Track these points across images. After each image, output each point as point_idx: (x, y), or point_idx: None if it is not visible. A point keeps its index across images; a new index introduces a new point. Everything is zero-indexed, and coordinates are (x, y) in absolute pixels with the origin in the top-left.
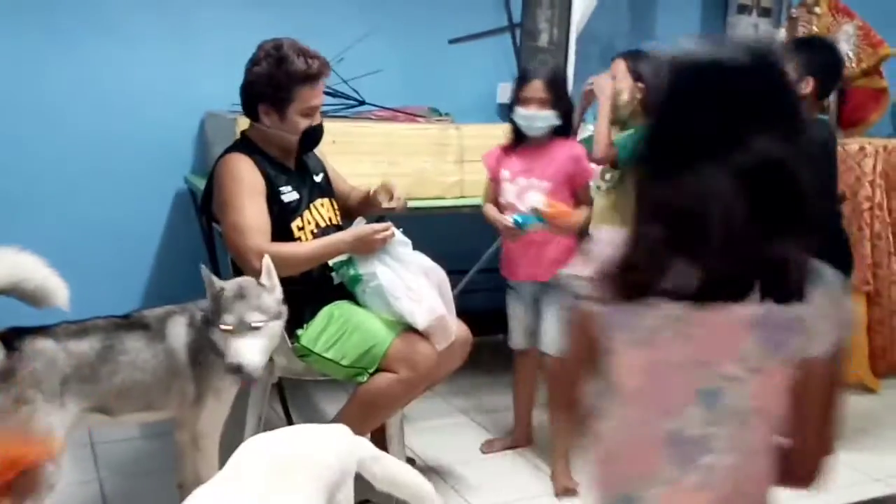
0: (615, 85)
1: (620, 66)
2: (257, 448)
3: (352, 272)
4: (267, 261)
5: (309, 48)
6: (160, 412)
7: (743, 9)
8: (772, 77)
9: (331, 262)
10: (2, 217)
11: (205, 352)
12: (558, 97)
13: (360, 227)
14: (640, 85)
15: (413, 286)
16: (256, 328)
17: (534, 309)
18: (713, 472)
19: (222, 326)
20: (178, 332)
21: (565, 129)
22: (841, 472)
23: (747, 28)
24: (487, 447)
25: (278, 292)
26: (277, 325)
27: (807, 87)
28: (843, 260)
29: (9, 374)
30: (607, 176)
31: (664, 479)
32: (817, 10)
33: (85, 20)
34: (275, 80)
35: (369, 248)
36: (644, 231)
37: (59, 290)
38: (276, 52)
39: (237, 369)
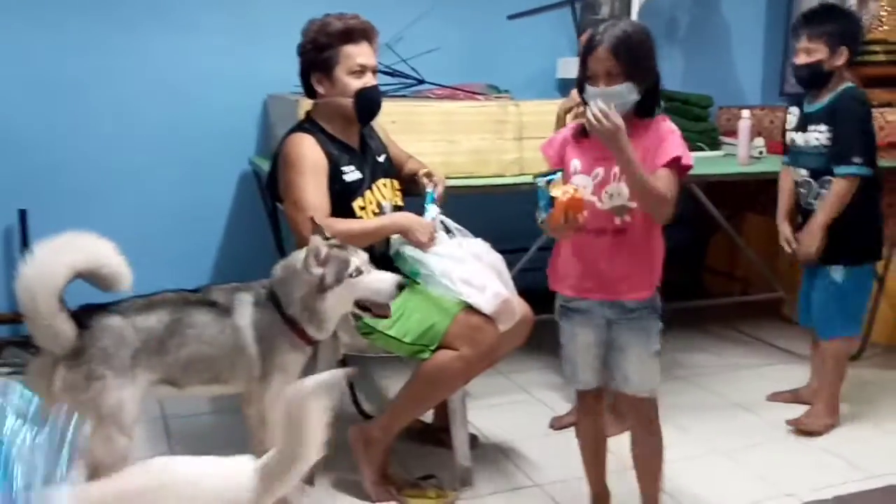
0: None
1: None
2: (145, 470)
3: (409, 268)
4: (325, 221)
5: (355, 16)
6: (226, 386)
7: None
8: None
9: (391, 251)
10: (74, 202)
11: (271, 329)
12: (634, 65)
13: (411, 218)
14: None
15: (471, 277)
16: (367, 262)
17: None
18: None
19: (356, 271)
20: (245, 310)
21: (649, 105)
22: None
23: None
24: (557, 422)
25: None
26: None
27: (842, 57)
28: (870, 243)
29: (80, 351)
30: None
31: None
32: None
33: (149, 9)
34: (318, 44)
35: (418, 240)
36: None
37: (126, 276)
38: (318, 21)
39: (401, 286)
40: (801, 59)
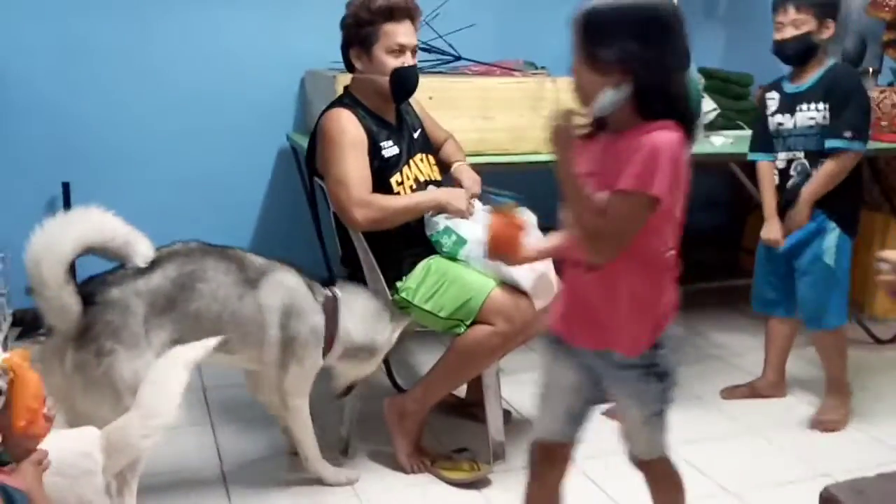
0: None
1: None
2: None
3: (454, 238)
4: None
5: None
6: (231, 357)
7: None
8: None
9: (431, 234)
10: (114, 174)
11: (299, 323)
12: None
13: (454, 190)
14: None
15: None
16: None
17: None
18: None
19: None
20: (276, 292)
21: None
22: None
23: None
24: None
25: None
26: None
27: (829, 30)
28: (857, 215)
29: (88, 328)
30: None
31: None
32: None
33: None
34: (359, 19)
35: (458, 209)
36: None
37: (140, 248)
38: None
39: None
40: (789, 33)
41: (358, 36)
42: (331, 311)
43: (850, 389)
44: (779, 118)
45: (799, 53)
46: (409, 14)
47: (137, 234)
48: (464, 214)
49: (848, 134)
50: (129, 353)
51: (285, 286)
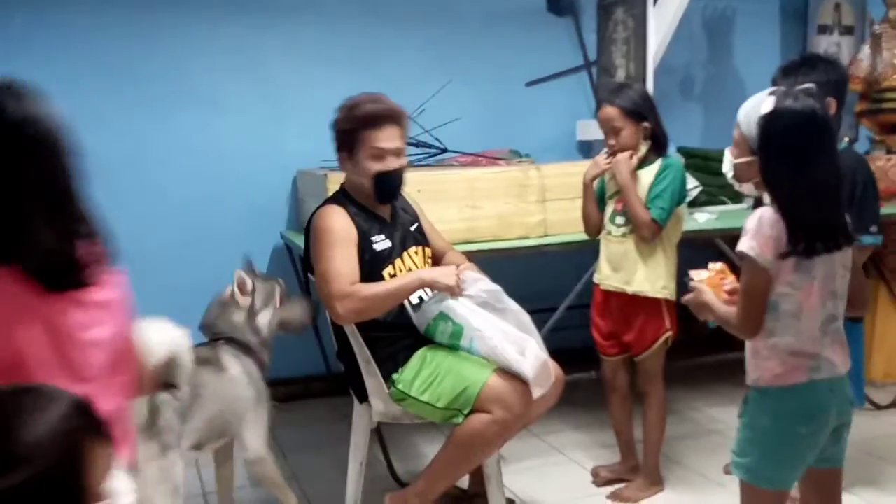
0: (625, 142)
1: (613, 112)
2: None
3: (452, 327)
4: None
5: (384, 98)
6: (236, 429)
7: (824, 29)
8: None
9: (424, 325)
10: None
11: (253, 374)
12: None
13: (431, 270)
14: (644, 124)
15: (514, 337)
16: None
17: None
18: None
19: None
20: (231, 361)
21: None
22: None
23: (829, 48)
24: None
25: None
26: None
27: (831, 108)
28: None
29: (151, 423)
30: (619, 220)
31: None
32: None
33: (178, 90)
34: (344, 125)
35: (443, 281)
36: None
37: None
38: (350, 102)
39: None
40: None
41: (343, 141)
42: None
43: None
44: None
45: None
46: (392, 119)
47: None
48: (452, 290)
49: (874, 229)
50: (177, 454)
51: (231, 354)
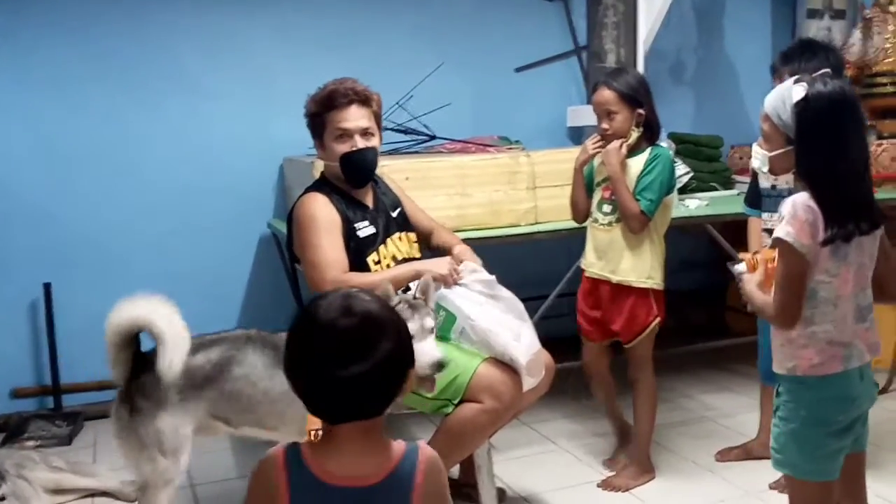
0: (617, 126)
1: (609, 95)
2: None
3: (444, 316)
4: (390, 272)
5: (351, 80)
6: (274, 433)
7: (814, 13)
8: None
9: None
10: (97, 272)
11: None
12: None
13: (424, 262)
14: (638, 110)
15: (509, 324)
16: (430, 330)
17: None
18: None
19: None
20: None
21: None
22: None
23: (819, 32)
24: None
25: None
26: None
27: None
28: None
29: (130, 388)
30: (606, 208)
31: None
32: (892, 8)
33: (165, 77)
34: (310, 112)
35: (438, 270)
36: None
37: (169, 356)
38: (320, 89)
39: (441, 365)
40: None
41: (314, 128)
42: None
43: None
44: (772, 178)
45: None
46: (353, 99)
47: (177, 343)
48: (446, 280)
49: None
50: (156, 413)
51: None
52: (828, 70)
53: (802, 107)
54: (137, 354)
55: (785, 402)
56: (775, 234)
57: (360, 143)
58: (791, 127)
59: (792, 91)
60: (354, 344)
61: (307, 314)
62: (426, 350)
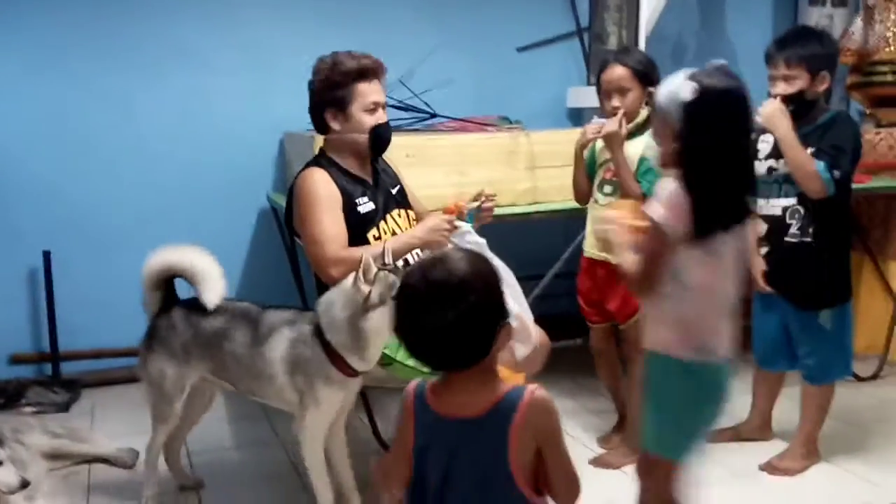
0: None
1: (623, 72)
2: None
3: None
4: (388, 243)
5: (361, 53)
6: (267, 400)
7: (816, 0)
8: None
9: None
10: (96, 243)
11: (307, 363)
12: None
13: (430, 219)
14: (650, 90)
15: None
16: None
17: None
18: None
19: None
20: (279, 342)
21: None
22: None
23: (821, 19)
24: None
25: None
26: None
27: (824, 82)
28: (848, 281)
29: (151, 332)
30: (606, 188)
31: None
32: None
33: (168, 54)
34: (332, 82)
35: (436, 240)
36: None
37: (209, 294)
38: (329, 59)
39: None
40: (781, 89)
41: (332, 98)
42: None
43: (818, 449)
44: (771, 162)
45: (793, 112)
46: (377, 73)
47: (216, 281)
48: (443, 245)
49: (837, 173)
50: (160, 356)
51: (287, 338)
52: (724, 62)
53: (687, 104)
54: (168, 299)
55: (653, 379)
56: (647, 211)
57: (383, 116)
58: (678, 124)
59: (680, 87)
60: (440, 297)
61: (404, 280)
62: None
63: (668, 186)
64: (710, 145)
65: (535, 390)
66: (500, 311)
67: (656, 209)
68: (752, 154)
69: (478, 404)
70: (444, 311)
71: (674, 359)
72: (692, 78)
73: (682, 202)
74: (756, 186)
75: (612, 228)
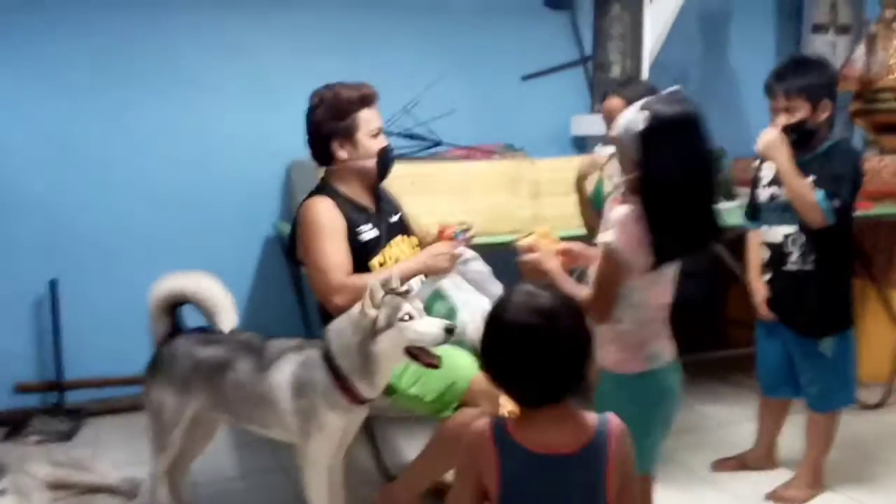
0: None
1: (618, 104)
2: None
3: (446, 306)
4: (391, 270)
5: (356, 83)
6: (270, 430)
7: (819, 28)
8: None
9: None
10: (101, 271)
11: (312, 388)
12: None
13: (422, 255)
14: None
15: None
16: (421, 311)
17: None
18: None
19: (407, 315)
20: (286, 366)
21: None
22: None
23: (824, 47)
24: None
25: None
26: None
27: (825, 111)
28: (849, 309)
29: (155, 361)
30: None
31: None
32: None
33: (172, 78)
34: (338, 112)
35: (441, 266)
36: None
37: (224, 316)
38: (328, 91)
39: (451, 329)
40: (783, 120)
41: (339, 128)
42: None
43: (823, 478)
44: (773, 190)
45: (795, 141)
46: (376, 98)
47: (226, 307)
48: (446, 272)
49: (836, 203)
50: (161, 385)
51: (294, 362)
52: (678, 87)
53: (642, 133)
54: (174, 327)
55: (607, 398)
56: (603, 238)
57: (384, 139)
58: (637, 153)
59: (635, 118)
60: (541, 337)
61: (499, 315)
62: (428, 321)
63: (620, 212)
64: (668, 171)
65: (613, 419)
66: (589, 347)
67: (611, 235)
68: (713, 176)
69: (572, 439)
70: (558, 344)
71: (626, 375)
72: (645, 107)
73: (637, 231)
74: (717, 216)
75: (535, 257)
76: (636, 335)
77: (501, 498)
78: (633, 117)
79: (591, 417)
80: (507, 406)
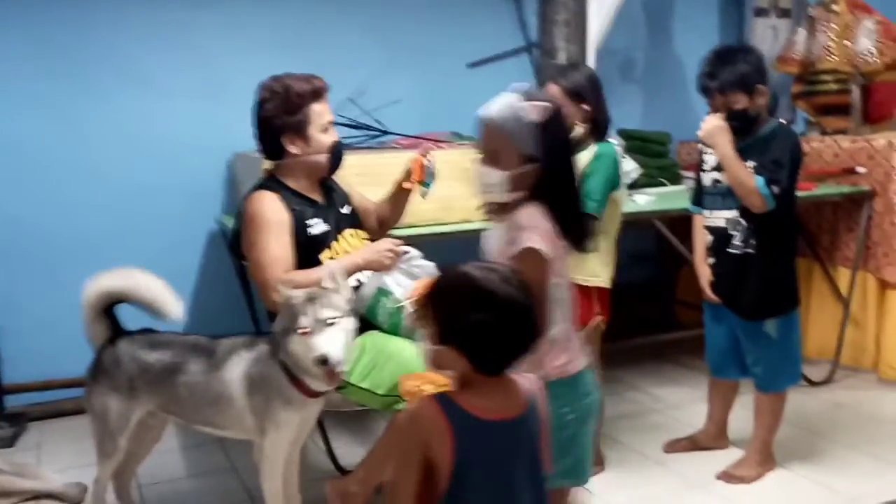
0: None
1: (554, 91)
2: None
3: (391, 304)
4: (330, 265)
5: (304, 75)
6: (224, 431)
7: (761, 12)
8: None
9: (365, 305)
10: (43, 263)
11: (264, 384)
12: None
13: (364, 251)
14: (583, 106)
15: None
16: (331, 324)
17: None
18: None
19: (300, 331)
20: (238, 364)
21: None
22: None
23: (766, 31)
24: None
25: (346, 292)
26: (350, 322)
27: (763, 95)
28: (795, 290)
29: (96, 365)
30: None
31: None
32: (836, 8)
33: (116, 73)
34: (288, 106)
35: (383, 262)
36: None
37: (170, 307)
38: (277, 84)
39: (323, 361)
40: (724, 112)
41: (289, 123)
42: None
43: (773, 456)
44: (716, 175)
45: (739, 129)
46: (327, 91)
47: (169, 296)
48: (392, 265)
49: (776, 189)
50: (104, 390)
51: (245, 359)
52: (527, 84)
53: (544, 124)
54: (113, 330)
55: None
56: (524, 244)
57: (335, 133)
58: (530, 145)
59: (523, 108)
60: (519, 307)
61: (475, 284)
62: (316, 344)
63: (528, 214)
64: (566, 160)
65: (537, 381)
66: (542, 325)
67: (529, 238)
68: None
69: (514, 403)
70: (530, 313)
71: (572, 377)
72: (531, 98)
73: (545, 224)
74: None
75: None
76: (569, 331)
77: (456, 468)
78: (518, 108)
79: (521, 380)
80: (438, 381)
